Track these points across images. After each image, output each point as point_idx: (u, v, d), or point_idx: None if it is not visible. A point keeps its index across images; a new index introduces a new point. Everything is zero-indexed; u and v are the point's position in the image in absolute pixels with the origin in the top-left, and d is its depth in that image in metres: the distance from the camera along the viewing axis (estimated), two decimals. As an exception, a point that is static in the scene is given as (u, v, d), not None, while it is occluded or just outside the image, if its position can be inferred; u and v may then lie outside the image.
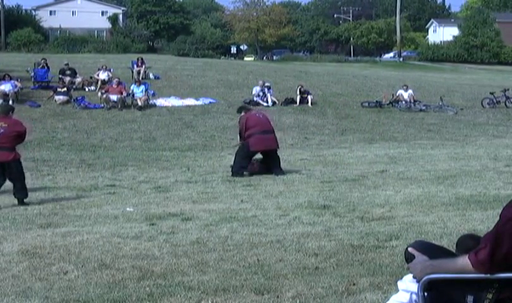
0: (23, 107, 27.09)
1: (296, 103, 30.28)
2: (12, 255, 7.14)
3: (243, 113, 15.52)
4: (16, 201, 11.50)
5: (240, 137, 15.44)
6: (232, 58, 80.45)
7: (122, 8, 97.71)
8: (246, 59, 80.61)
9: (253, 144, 14.92)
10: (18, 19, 77.16)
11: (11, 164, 11.57)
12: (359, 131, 25.63)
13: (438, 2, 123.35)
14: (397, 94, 31.36)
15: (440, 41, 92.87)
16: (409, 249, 3.62)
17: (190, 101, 29.99)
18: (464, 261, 3.26)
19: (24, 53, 56.60)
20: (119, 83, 28.78)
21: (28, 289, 5.87)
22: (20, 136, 11.74)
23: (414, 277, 3.53)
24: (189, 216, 9.48)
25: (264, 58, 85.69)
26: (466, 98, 34.59)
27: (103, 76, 31.69)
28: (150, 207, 10.66)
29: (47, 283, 6.03)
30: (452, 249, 4.15)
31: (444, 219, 8.56)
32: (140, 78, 31.91)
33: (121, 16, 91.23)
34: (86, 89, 31.21)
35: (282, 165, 16.49)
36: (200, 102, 30.07)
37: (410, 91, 31.35)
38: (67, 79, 31.11)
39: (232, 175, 14.65)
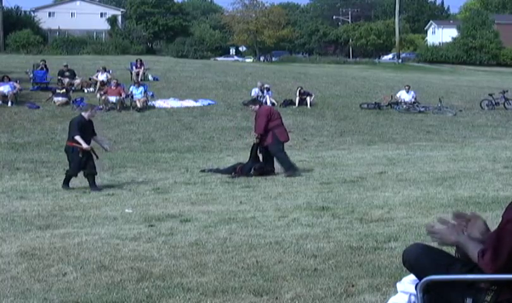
0: (22, 109, 27.11)
1: (295, 104, 30.28)
2: (11, 257, 7.14)
3: (258, 106, 15.44)
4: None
5: (261, 129, 14.97)
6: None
7: (121, 10, 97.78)
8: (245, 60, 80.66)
9: (281, 135, 15.05)
10: (17, 21, 77.16)
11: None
12: (358, 133, 25.63)
13: (437, 3, 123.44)
14: (398, 95, 31.32)
15: (439, 43, 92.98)
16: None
17: (189, 103, 29.98)
18: (475, 256, 3.29)
19: (23, 55, 56.57)
20: (117, 85, 28.77)
21: (26, 290, 5.87)
22: None
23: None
24: (188, 217, 9.48)
25: (261, 59, 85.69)
26: (465, 99, 34.61)
27: (102, 77, 31.68)
28: (148, 208, 10.66)
29: (45, 285, 6.03)
30: (452, 251, 4.15)
31: (443, 220, 8.55)
32: (139, 80, 31.90)
33: (119, 18, 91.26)
34: (85, 90, 31.19)
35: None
36: (198, 104, 30.06)
37: (413, 93, 31.30)
38: (66, 80, 31.09)
39: (292, 170, 14.55)
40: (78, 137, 13.49)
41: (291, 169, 14.72)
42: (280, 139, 15.06)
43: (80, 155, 13.53)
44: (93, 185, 13.52)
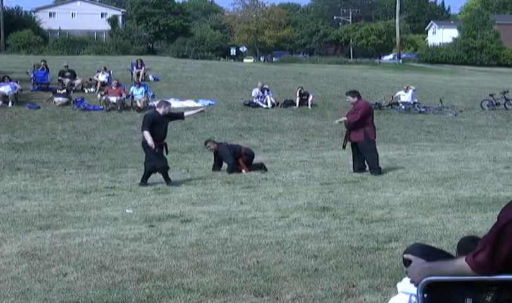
0: (22, 109, 27.12)
1: (295, 104, 30.27)
2: (12, 257, 7.13)
3: (356, 98, 15.07)
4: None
5: (354, 120, 14.67)
6: (232, 60, 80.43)
7: (122, 10, 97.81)
8: (245, 60, 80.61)
9: (371, 134, 14.83)
10: (18, 21, 77.20)
11: None
12: (359, 133, 25.59)
13: (437, 4, 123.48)
14: (397, 95, 31.29)
15: (440, 43, 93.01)
16: (405, 256, 3.61)
17: (190, 103, 29.95)
18: (461, 263, 3.25)
19: (23, 55, 56.59)
20: (118, 85, 28.78)
21: (27, 291, 5.87)
22: None
23: (411, 281, 3.51)
24: (188, 217, 9.48)
25: (261, 59, 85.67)
26: (465, 100, 34.60)
27: (102, 77, 31.69)
28: (149, 209, 10.66)
29: (46, 285, 6.03)
30: (452, 251, 4.15)
31: (444, 221, 8.57)
32: (140, 80, 31.90)
33: (120, 18, 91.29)
34: (86, 91, 31.21)
35: (282, 166, 16.50)
36: (199, 104, 30.02)
37: (411, 92, 31.20)
38: (67, 80, 31.10)
39: (377, 171, 14.38)
40: (146, 133, 13.73)
41: (377, 170, 14.49)
42: (371, 138, 14.79)
43: (156, 150, 13.77)
44: (167, 179, 13.84)
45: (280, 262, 6.58)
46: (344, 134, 15.32)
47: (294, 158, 19.06)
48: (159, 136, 13.89)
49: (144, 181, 13.82)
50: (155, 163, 13.86)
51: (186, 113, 15.16)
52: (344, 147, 15.51)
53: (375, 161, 14.61)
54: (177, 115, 14.86)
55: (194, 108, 15.21)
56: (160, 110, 14.10)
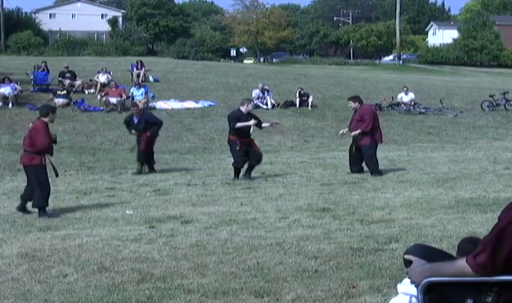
0: (22, 110, 27.11)
1: (295, 105, 30.28)
2: (12, 258, 7.14)
3: (358, 103, 15.03)
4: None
5: (369, 127, 14.51)
6: (232, 61, 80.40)
7: (122, 11, 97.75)
8: (245, 61, 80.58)
9: (378, 138, 14.85)
10: (18, 22, 77.14)
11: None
12: (359, 134, 25.58)
13: (438, 4, 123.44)
14: (398, 97, 31.25)
15: (440, 44, 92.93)
16: (406, 257, 3.61)
17: (190, 104, 29.98)
18: (462, 264, 3.25)
19: (24, 56, 56.59)
20: (116, 86, 28.81)
21: (27, 292, 5.87)
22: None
23: (412, 282, 3.51)
24: (188, 219, 9.48)
25: (262, 60, 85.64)
26: (465, 100, 34.60)
27: (102, 78, 31.70)
28: (149, 210, 10.66)
29: (46, 286, 6.03)
30: (453, 252, 4.14)
31: (444, 222, 8.57)
32: (140, 81, 31.90)
33: (120, 19, 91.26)
34: (86, 92, 31.22)
35: (282, 167, 16.49)
36: (199, 105, 30.06)
37: (411, 95, 31.22)
38: (67, 82, 31.11)
39: (378, 173, 14.34)
40: (239, 124, 14.29)
41: (377, 172, 14.41)
42: (377, 142, 14.80)
43: (237, 148, 14.26)
44: (248, 175, 14.47)
45: (280, 263, 6.58)
46: (353, 139, 15.11)
47: (294, 159, 19.06)
48: (243, 134, 14.40)
49: (236, 177, 14.40)
50: (234, 160, 14.50)
51: (263, 124, 15.43)
52: (353, 150, 15.15)
53: (374, 166, 14.60)
54: (258, 122, 14.91)
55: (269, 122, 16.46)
56: (243, 108, 14.58)
